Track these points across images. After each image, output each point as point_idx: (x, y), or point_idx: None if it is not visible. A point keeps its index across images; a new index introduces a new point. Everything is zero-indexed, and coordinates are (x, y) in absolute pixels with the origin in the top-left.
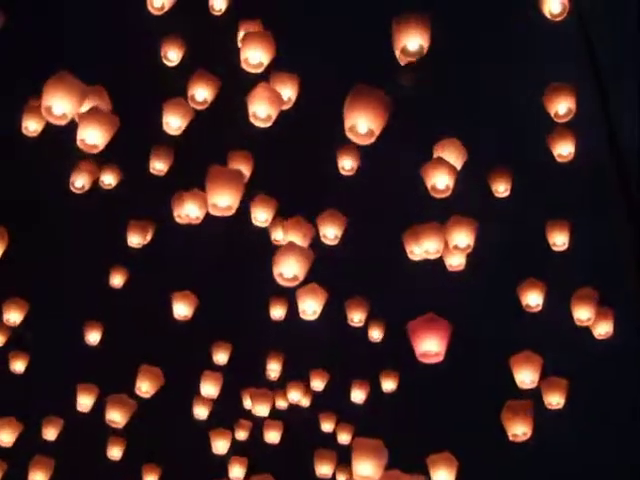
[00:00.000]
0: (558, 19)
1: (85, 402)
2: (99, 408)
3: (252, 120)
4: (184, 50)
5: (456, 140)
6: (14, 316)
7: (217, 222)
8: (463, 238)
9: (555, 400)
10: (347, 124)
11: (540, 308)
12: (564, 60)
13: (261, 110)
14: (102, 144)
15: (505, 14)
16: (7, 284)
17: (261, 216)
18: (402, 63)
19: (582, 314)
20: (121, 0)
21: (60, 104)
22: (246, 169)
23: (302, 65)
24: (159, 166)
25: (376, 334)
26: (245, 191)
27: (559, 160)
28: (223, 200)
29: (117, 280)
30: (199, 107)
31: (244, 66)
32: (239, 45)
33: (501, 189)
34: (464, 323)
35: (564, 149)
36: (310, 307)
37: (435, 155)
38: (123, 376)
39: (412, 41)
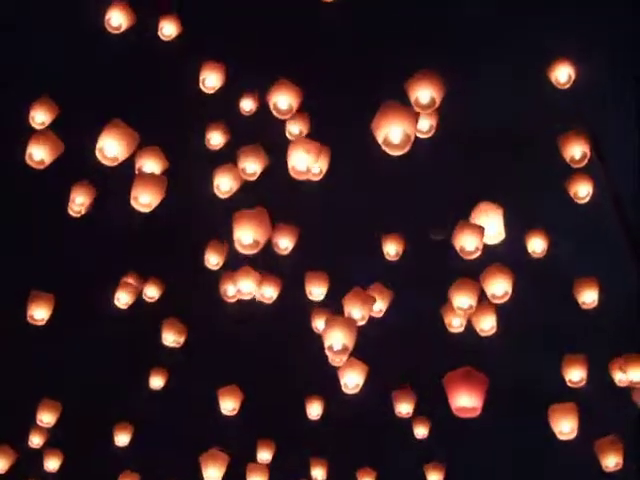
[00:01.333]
0: (565, 87)
1: None
2: None
3: (292, 174)
4: (228, 135)
5: (491, 203)
6: (47, 417)
7: (261, 309)
8: (500, 286)
9: (613, 462)
10: (380, 138)
11: (584, 382)
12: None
13: (300, 163)
14: (154, 203)
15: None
16: (40, 384)
17: (316, 291)
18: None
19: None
20: (177, 79)
21: (112, 147)
22: (291, 242)
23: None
24: (214, 260)
25: (422, 431)
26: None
27: (577, 201)
28: (247, 237)
29: (157, 382)
30: (249, 178)
31: (274, 112)
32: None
33: (538, 249)
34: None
35: (582, 190)
36: (352, 381)
37: (473, 219)
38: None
39: (424, 94)
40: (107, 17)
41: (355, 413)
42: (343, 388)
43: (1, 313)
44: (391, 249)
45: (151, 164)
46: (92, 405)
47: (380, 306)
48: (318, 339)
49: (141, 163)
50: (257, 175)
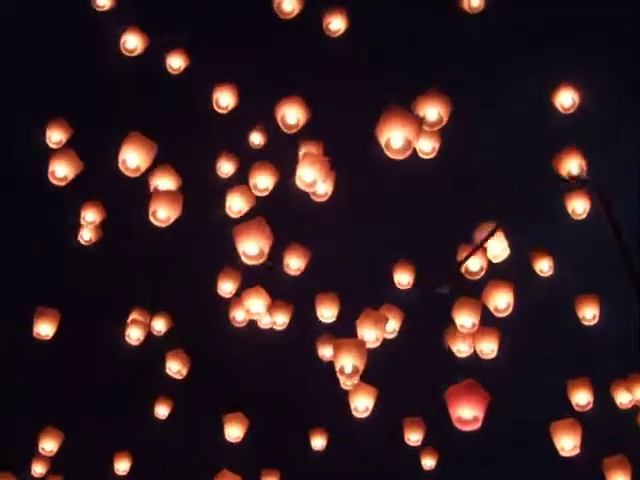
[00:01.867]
0: (569, 112)
1: None
2: None
3: (298, 184)
4: (236, 166)
5: (492, 224)
6: (49, 445)
7: (267, 335)
8: (502, 299)
9: None
10: (382, 141)
11: (591, 406)
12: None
13: (307, 175)
14: (172, 219)
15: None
16: (42, 414)
17: (327, 313)
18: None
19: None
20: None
21: (134, 158)
22: (302, 263)
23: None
24: (227, 288)
25: (429, 462)
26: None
27: (574, 218)
28: (252, 248)
29: (162, 410)
30: (261, 194)
31: (281, 127)
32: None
33: (545, 268)
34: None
35: (579, 207)
36: (362, 404)
37: (476, 239)
38: None
39: (431, 111)
40: (122, 40)
41: (361, 445)
42: (353, 411)
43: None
44: (403, 279)
45: (165, 182)
46: (93, 433)
47: (394, 326)
48: (324, 367)
49: (155, 182)
50: (269, 191)
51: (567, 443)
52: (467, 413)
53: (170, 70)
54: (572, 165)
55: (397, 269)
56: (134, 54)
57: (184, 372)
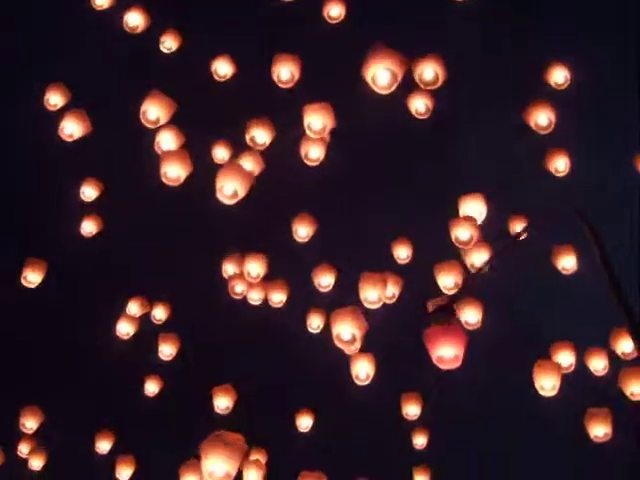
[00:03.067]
0: (562, 88)
1: None
2: None
3: (308, 132)
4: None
5: (479, 195)
6: (30, 422)
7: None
8: (479, 258)
9: (602, 432)
10: (368, 78)
11: (573, 368)
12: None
13: (315, 122)
14: (182, 178)
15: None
16: (23, 391)
17: (325, 281)
18: None
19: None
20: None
21: (154, 111)
22: (310, 232)
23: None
24: (230, 270)
25: (420, 440)
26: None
27: (556, 175)
28: (228, 187)
29: (151, 387)
30: (259, 148)
31: (278, 83)
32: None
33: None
34: None
35: (559, 165)
36: (363, 372)
37: (460, 209)
38: None
39: (428, 70)
40: (125, 18)
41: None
42: (355, 379)
43: None
44: (402, 253)
45: (168, 140)
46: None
47: (393, 291)
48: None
49: (158, 139)
50: (267, 145)
51: (547, 383)
52: (447, 352)
53: (163, 49)
54: (541, 116)
55: (396, 244)
56: (136, 31)
57: (174, 353)
